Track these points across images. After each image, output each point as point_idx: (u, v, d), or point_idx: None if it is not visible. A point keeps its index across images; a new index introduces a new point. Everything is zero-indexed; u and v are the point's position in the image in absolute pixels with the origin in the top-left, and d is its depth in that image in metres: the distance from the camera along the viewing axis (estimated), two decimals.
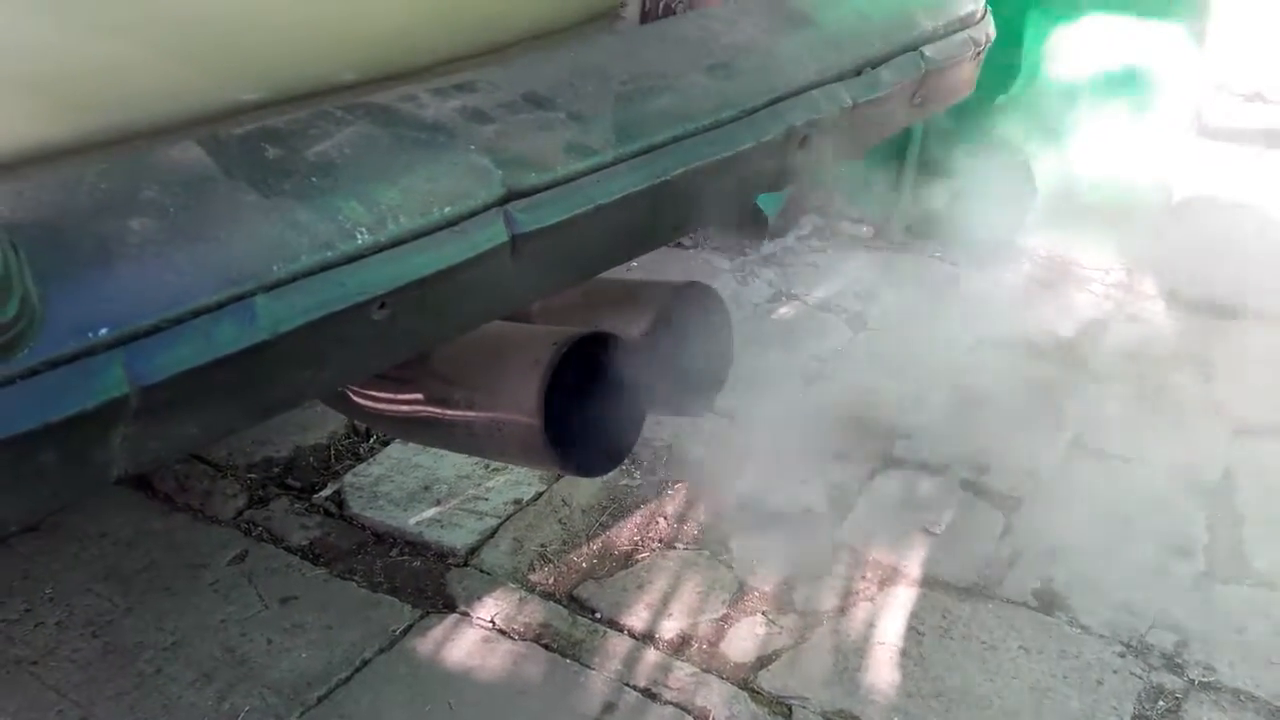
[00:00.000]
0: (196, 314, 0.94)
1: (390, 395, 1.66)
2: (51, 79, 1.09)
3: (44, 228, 0.94)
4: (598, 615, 2.07)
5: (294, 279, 1.00)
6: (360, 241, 1.06)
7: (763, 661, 1.97)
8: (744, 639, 2.02)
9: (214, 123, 1.17)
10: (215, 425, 1.03)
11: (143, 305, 0.92)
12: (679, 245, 3.46)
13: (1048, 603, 2.10)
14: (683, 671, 1.95)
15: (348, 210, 1.07)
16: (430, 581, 2.15)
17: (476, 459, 2.44)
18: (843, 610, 2.09)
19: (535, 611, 2.07)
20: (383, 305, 1.07)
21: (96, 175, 1.01)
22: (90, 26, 1.11)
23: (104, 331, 0.90)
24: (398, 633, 2.02)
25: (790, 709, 1.88)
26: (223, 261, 0.98)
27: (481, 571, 2.17)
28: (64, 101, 1.10)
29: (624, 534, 2.28)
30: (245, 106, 1.23)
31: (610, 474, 2.39)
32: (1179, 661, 1.98)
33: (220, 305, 0.96)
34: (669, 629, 2.04)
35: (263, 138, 1.11)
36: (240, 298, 0.97)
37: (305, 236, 1.03)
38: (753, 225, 3.53)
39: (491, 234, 1.16)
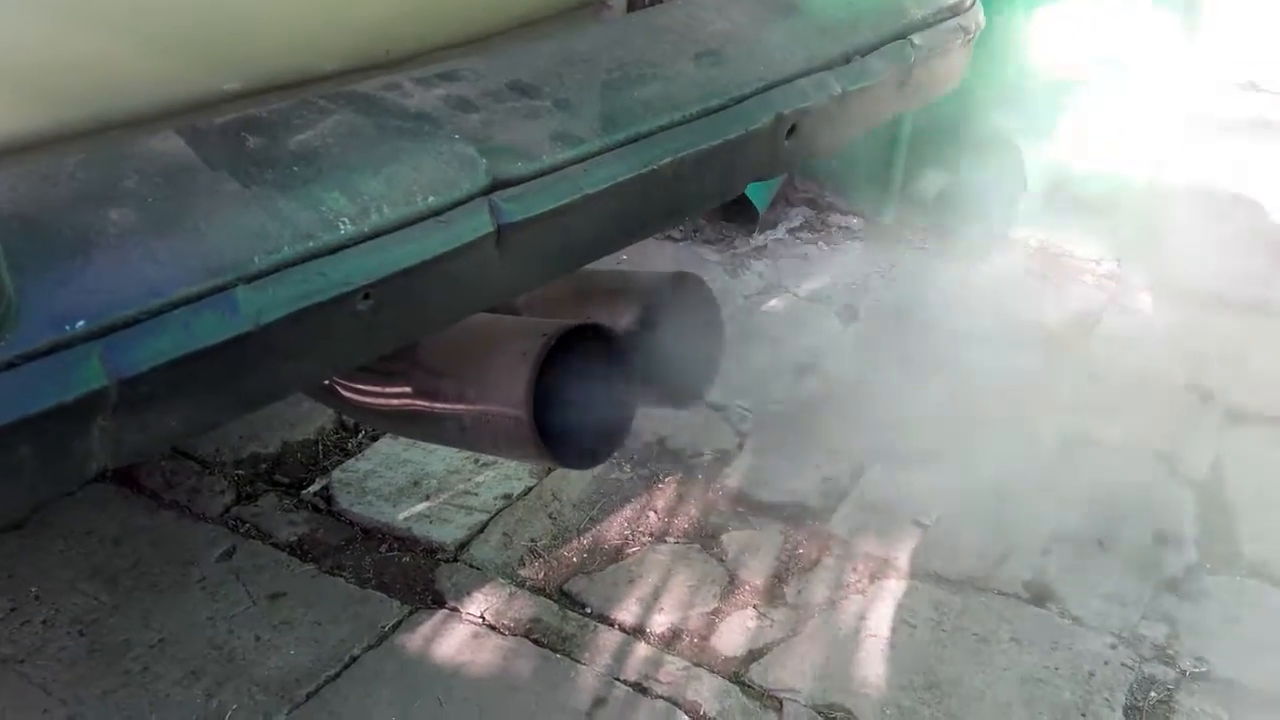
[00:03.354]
0: (176, 305, 0.93)
1: (378, 388, 1.65)
2: (28, 69, 1.07)
3: (21, 219, 0.93)
4: (588, 610, 2.06)
5: (276, 270, 0.99)
6: (343, 232, 1.05)
7: (754, 655, 1.97)
8: (735, 632, 2.01)
9: (194, 112, 1.15)
10: (197, 418, 1.02)
11: (121, 297, 0.91)
12: (668, 237, 3.44)
13: (1039, 594, 2.10)
14: (673, 665, 1.94)
15: (330, 200, 1.05)
16: (419, 577, 2.14)
17: (466, 453, 2.43)
18: (834, 603, 2.08)
19: (525, 606, 2.06)
20: (366, 296, 1.06)
21: (75, 166, 1.00)
22: (68, 15, 1.09)
23: (82, 323, 0.88)
24: (387, 629, 2.01)
25: (781, 702, 1.87)
26: (203, 252, 0.97)
27: (471, 567, 2.16)
28: (41, 92, 1.09)
29: (614, 528, 2.27)
30: (226, 96, 1.22)
31: (600, 467, 2.38)
32: (1170, 652, 1.97)
33: (200, 297, 0.95)
34: (660, 623, 2.03)
35: (244, 127, 1.10)
36: (221, 289, 0.96)
37: (287, 227, 1.02)
38: (742, 217, 3.52)
39: (476, 224, 1.15)
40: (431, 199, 1.12)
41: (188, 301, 0.94)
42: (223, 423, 1.08)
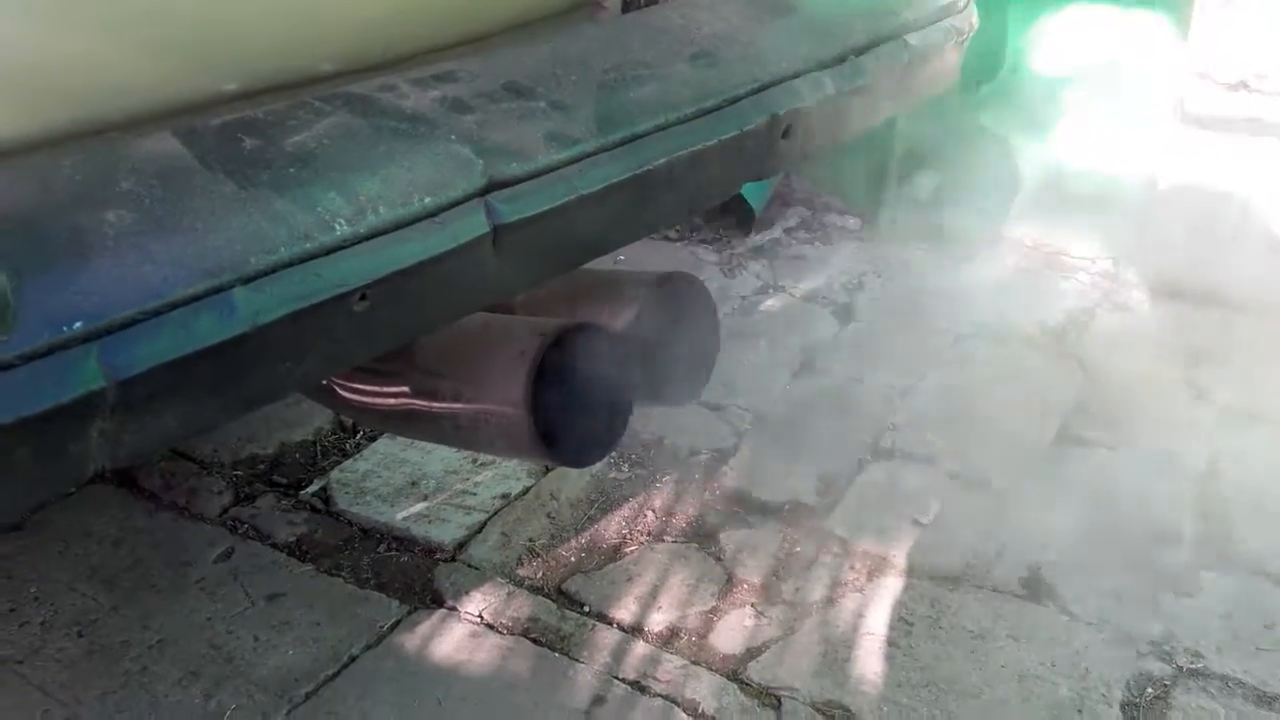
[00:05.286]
0: (174, 306, 0.94)
1: (376, 388, 1.65)
2: (25, 71, 1.08)
3: (18, 220, 0.93)
4: (586, 609, 2.07)
5: (272, 271, 1.00)
6: (339, 232, 1.05)
7: (752, 653, 1.97)
8: (733, 630, 2.02)
9: (191, 114, 1.16)
10: (194, 419, 1.02)
11: (119, 298, 0.92)
12: (665, 238, 3.45)
13: (1036, 591, 2.10)
14: (671, 664, 1.94)
15: (326, 201, 1.06)
16: (418, 577, 2.14)
17: (464, 453, 2.43)
18: (831, 601, 2.09)
19: (523, 605, 2.06)
20: (363, 297, 1.06)
21: (72, 167, 1.00)
22: (65, 17, 1.09)
23: (79, 325, 0.89)
24: (385, 628, 2.01)
25: (779, 700, 1.88)
26: (200, 253, 0.97)
27: (469, 566, 2.16)
28: (38, 94, 1.09)
29: (612, 527, 2.27)
30: (223, 97, 1.22)
31: (598, 466, 2.38)
32: (1167, 649, 1.98)
33: (198, 298, 0.95)
34: (658, 621, 2.04)
35: (240, 129, 1.10)
36: (218, 290, 0.96)
37: (284, 228, 1.02)
38: (739, 217, 3.53)
39: (472, 224, 1.15)
40: (428, 200, 1.12)
41: (185, 302, 0.94)
42: (221, 423, 1.08)
